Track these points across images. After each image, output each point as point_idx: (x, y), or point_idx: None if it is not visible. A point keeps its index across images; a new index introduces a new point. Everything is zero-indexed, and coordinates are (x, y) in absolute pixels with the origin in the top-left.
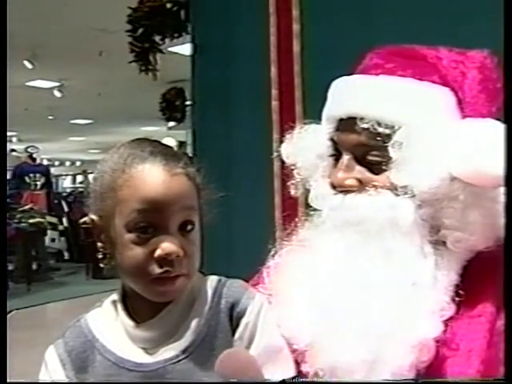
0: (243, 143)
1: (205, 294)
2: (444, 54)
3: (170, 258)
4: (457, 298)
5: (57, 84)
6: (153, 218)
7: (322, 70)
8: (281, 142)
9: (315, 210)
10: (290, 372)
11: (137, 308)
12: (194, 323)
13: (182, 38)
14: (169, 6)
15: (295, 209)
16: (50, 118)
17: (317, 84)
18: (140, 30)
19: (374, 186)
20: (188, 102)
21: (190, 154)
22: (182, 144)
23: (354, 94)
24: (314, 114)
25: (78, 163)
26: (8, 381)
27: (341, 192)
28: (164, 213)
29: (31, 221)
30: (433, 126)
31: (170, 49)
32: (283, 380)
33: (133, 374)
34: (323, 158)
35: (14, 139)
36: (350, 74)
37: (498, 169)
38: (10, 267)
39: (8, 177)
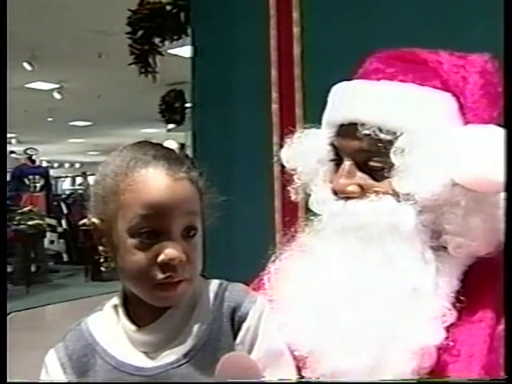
0: (243, 146)
1: (206, 298)
2: (445, 59)
3: (173, 263)
4: (458, 304)
5: (56, 86)
6: (156, 224)
7: (322, 73)
8: (281, 145)
9: (315, 214)
10: (291, 376)
11: (138, 312)
12: (195, 327)
13: (181, 40)
14: (169, 8)
15: (296, 213)
16: (50, 119)
17: (317, 87)
18: (140, 32)
19: (376, 191)
20: (187, 105)
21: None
22: (182, 146)
23: (354, 100)
24: (314, 118)
25: (77, 165)
26: (8, 381)
27: (342, 198)
28: (167, 218)
29: (30, 223)
30: (435, 132)
31: (170, 51)
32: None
33: (133, 378)
34: (323, 163)
35: (14, 141)
36: (350, 79)
37: (500, 175)
38: (9, 269)
39: (7, 179)
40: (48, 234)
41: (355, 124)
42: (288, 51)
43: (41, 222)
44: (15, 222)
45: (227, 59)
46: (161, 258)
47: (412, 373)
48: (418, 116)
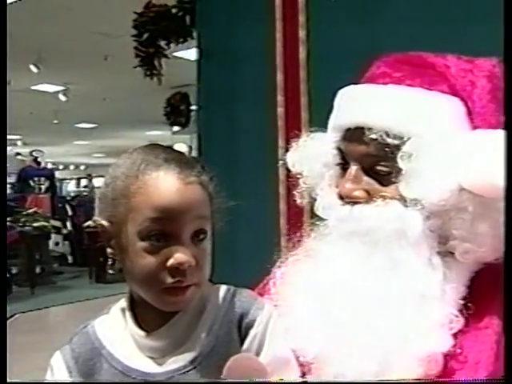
0: (248, 149)
1: (214, 304)
2: (452, 62)
3: (182, 267)
4: (465, 311)
5: (62, 88)
6: (166, 227)
7: (328, 76)
8: (286, 149)
9: (321, 219)
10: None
11: (145, 316)
12: (202, 333)
13: (186, 43)
14: (174, 11)
15: (301, 217)
16: (55, 121)
17: (323, 90)
18: (145, 35)
19: (382, 196)
20: (192, 107)
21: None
22: (190, 149)
23: (361, 104)
24: (320, 121)
25: (82, 167)
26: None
27: (348, 203)
28: (177, 222)
29: (35, 224)
30: (442, 137)
31: (175, 54)
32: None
33: None
34: (329, 167)
35: (19, 143)
36: (356, 83)
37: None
38: (14, 271)
39: (13, 180)
40: (53, 235)
41: (362, 128)
42: (294, 54)
43: (46, 223)
44: (20, 224)
45: (233, 62)
46: (170, 262)
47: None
48: (425, 121)
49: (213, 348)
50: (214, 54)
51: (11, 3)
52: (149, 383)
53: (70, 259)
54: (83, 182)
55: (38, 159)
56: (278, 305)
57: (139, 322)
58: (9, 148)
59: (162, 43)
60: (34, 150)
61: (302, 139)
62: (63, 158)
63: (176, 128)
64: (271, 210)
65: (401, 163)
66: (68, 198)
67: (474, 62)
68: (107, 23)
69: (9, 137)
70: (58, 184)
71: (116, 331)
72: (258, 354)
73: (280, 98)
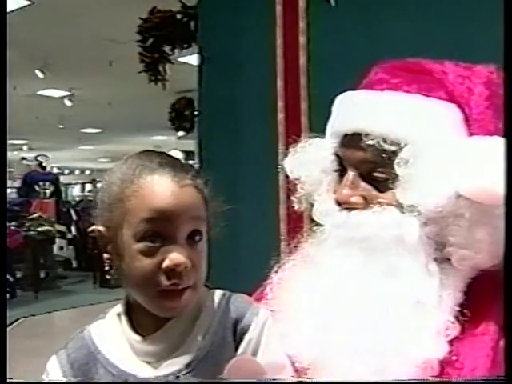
0: (249, 155)
1: (209, 309)
2: (450, 69)
3: (178, 269)
4: (461, 318)
5: (67, 93)
6: (161, 227)
7: (328, 82)
8: (286, 154)
9: (319, 225)
10: None
11: (141, 321)
12: (197, 338)
13: (191, 48)
14: (179, 16)
15: (301, 222)
16: (61, 126)
17: (323, 96)
18: (150, 41)
19: (380, 203)
20: (197, 112)
21: (197, 166)
22: (192, 154)
23: (359, 110)
24: (320, 127)
25: (87, 172)
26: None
27: (345, 209)
28: (172, 222)
29: (40, 229)
30: (439, 144)
31: (180, 59)
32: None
33: None
34: (327, 173)
35: (25, 147)
36: (354, 89)
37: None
38: (18, 275)
39: (18, 185)
40: (57, 240)
41: (359, 134)
42: (294, 60)
43: (50, 228)
44: (25, 228)
45: (234, 68)
46: (166, 263)
47: None
48: (422, 127)
49: (208, 352)
50: (216, 59)
51: (17, 9)
52: (147, 383)
53: (74, 264)
54: (88, 186)
55: (43, 164)
56: (275, 310)
57: (135, 326)
58: (14, 153)
59: (167, 49)
60: (39, 155)
61: (299, 145)
62: (68, 162)
63: (181, 133)
64: (271, 214)
65: (398, 169)
66: (73, 203)
67: (472, 69)
68: (112, 29)
69: (14, 142)
70: (62, 189)
71: (112, 336)
72: None
73: (280, 104)
